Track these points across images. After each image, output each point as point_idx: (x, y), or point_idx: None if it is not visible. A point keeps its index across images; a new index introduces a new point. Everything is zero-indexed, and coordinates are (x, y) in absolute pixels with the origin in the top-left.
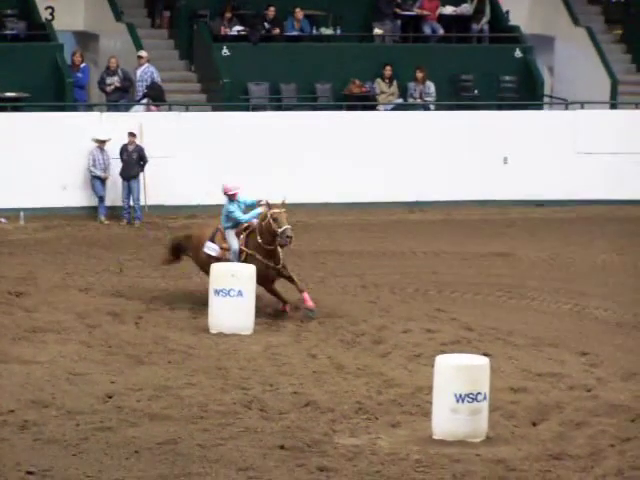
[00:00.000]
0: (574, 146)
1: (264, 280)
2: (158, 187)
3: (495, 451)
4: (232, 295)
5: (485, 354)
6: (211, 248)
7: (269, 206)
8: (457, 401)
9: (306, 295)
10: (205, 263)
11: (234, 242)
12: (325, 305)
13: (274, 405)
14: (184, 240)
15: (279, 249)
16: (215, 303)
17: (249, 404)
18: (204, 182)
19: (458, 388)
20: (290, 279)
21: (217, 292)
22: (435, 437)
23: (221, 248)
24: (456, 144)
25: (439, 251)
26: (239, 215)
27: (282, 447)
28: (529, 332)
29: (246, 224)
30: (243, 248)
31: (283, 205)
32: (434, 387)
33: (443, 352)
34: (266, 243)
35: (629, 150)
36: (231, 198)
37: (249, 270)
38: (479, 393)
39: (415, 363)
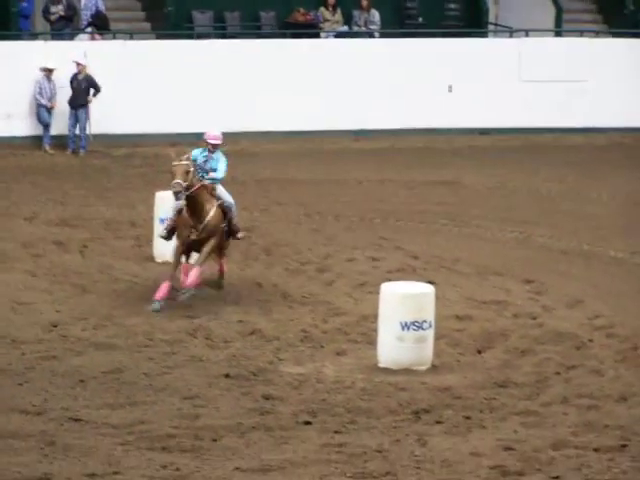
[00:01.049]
0: (519, 74)
1: (181, 240)
2: (102, 116)
3: (440, 379)
4: None
5: (430, 282)
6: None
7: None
8: (402, 329)
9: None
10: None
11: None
12: (270, 234)
13: (219, 334)
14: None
15: (216, 211)
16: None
17: (194, 332)
18: (148, 110)
19: (403, 316)
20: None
21: (162, 221)
22: (380, 365)
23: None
24: (401, 72)
25: (384, 179)
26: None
27: (227, 375)
28: (474, 260)
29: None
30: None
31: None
32: (379, 315)
33: (388, 280)
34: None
35: (573, 78)
36: (210, 148)
37: None
38: (424, 321)
39: (360, 291)
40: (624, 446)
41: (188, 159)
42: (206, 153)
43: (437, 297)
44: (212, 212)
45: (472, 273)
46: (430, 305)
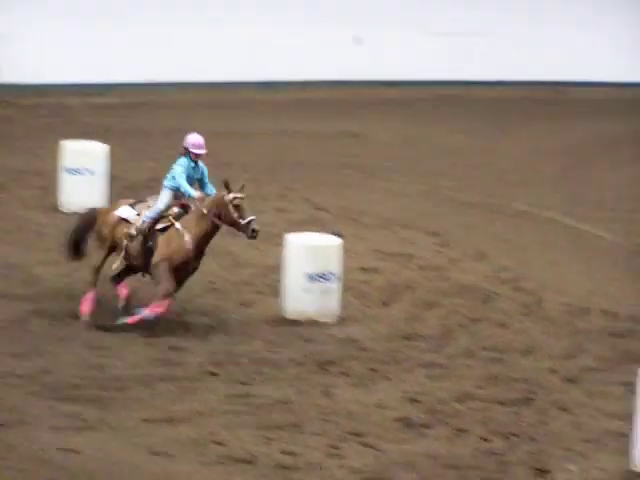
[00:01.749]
0: (426, 25)
1: (177, 267)
2: (8, 65)
3: (346, 331)
4: (83, 174)
5: (337, 234)
6: (125, 211)
7: (228, 189)
8: (308, 281)
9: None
10: (110, 227)
11: (163, 201)
12: None
13: None
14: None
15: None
16: (66, 182)
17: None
18: (55, 60)
19: (310, 268)
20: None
21: (69, 171)
22: (287, 317)
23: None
24: (308, 22)
25: (291, 131)
26: (184, 183)
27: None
28: (381, 212)
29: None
30: (172, 220)
31: (242, 190)
32: (285, 267)
33: (294, 232)
34: (205, 234)
35: (481, 30)
36: (194, 158)
37: (102, 149)
38: (330, 273)
39: (266, 243)
40: (529, 399)
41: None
42: (192, 163)
43: (343, 249)
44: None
45: (379, 225)
46: (336, 257)
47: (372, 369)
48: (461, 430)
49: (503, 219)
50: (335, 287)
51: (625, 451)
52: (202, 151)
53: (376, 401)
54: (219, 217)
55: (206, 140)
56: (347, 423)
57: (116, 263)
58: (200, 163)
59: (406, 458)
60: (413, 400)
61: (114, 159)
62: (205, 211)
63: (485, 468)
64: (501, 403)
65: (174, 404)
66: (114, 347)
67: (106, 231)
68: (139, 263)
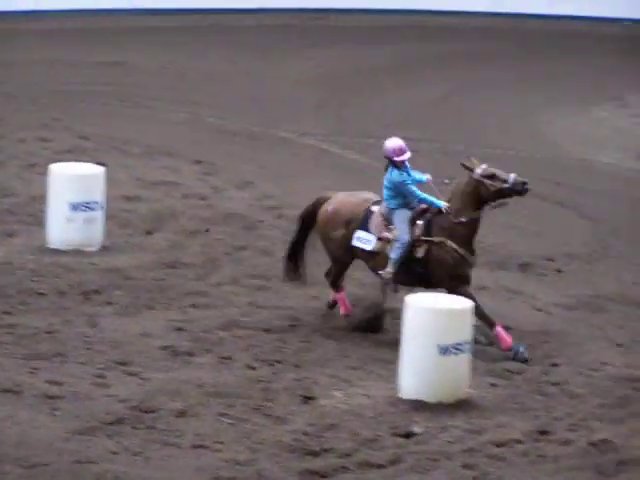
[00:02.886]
0: None
1: (458, 279)
2: None
3: (110, 260)
4: None
5: (100, 163)
6: (363, 239)
7: (467, 166)
8: (71, 210)
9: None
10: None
11: (405, 230)
12: None
13: None
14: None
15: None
16: None
17: None
18: None
19: (72, 197)
20: None
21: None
22: (50, 246)
23: (379, 239)
24: None
25: (53, 60)
26: (415, 190)
27: None
28: (144, 141)
29: (421, 207)
30: (423, 238)
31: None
32: (48, 196)
33: (58, 161)
34: (464, 222)
35: None
36: (397, 165)
37: None
38: (94, 202)
39: (30, 172)
40: (293, 326)
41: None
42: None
43: (107, 178)
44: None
45: (142, 154)
46: (100, 186)
47: (136, 298)
48: (226, 358)
49: (266, 147)
50: (99, 216)
51: (391, 378)
52: (407, 155)
53: (141, 330)
54: (484, 200)
55: None
56: (112, 352)
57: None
58: (405, 167)
59: (172, 386)
60: (178, 329)
61: None
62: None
63: (251, 395)
64: (266, 330)
65: None
66: None
67: (335, 250)
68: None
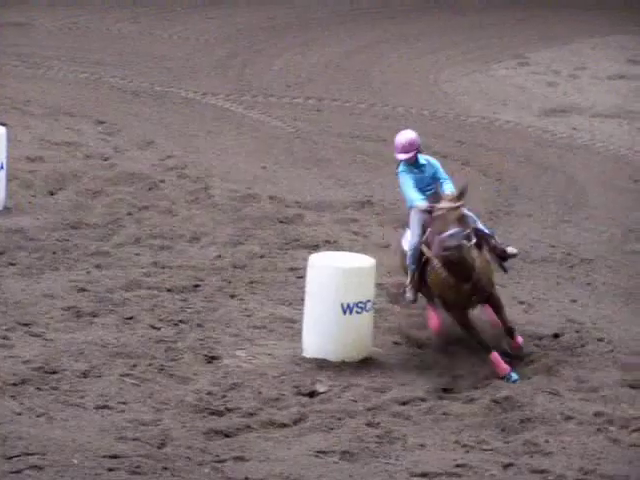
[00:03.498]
0: None
1: (451, 305)
2: None
3: (13, 221)
4: None
5: (1, 123)
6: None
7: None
8: None
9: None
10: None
11: (415, 232)
12: None
13: None
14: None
15: (482, 257)
16: None
17: None
18: None
19: None
20: (495, 307)
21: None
22: None
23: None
24: None
25: None
26: (408, 190)
27: None
28: (46, 101)
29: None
30: (424, 249)
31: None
32: None
33: None
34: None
35: None
36: (408, 161)
37: None
38: None
39: None
40: (197, 286)
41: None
42: (412, 168)
43: (9, 139)
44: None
45: (43, 114)
46: (1, 146)
47: (39, 258)
48: (130, 318)
49: (169, 107)
50: (1, 177)
51: (294, 337)
52: (408, 155)
53: (44, 291)
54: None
55: None
56: (15, 313)
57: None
58: (424, 159)
59: (75, 347)
60: (81, 289)
61: None
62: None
63: (154, 356)
64: (169, 290)
65: None
66: None
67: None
68: None
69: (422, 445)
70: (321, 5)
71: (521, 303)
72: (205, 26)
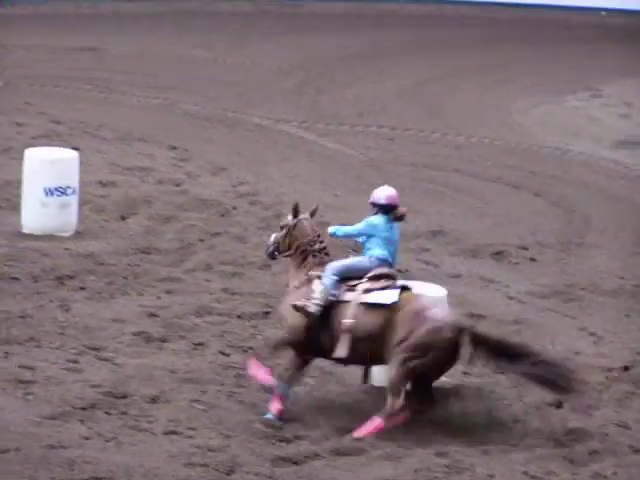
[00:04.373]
0: None
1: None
2: None
3: (84, 245)
4: None
5: (75, 148)
6: None
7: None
8: (46, 195)
9: None
10: None
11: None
12: None
13: None
14: None
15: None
16: None
17: None
18: None
19: (47, 181)
20: None
21: None
22: (24, 231)
23: None
24: None
25: (29, 45)
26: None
27: None
28: (118, 126)
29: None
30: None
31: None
32: (23, 181)
33: (32, 146)
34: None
35: None
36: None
37: None
38: (68, 187)
39: (5, 157)
40: (267, 313)
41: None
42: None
43: (81, 163)
44: None
45: (116, 139)
46: (74, 171)
47: (110, 283)
48: (199, 344)
49: (241, 133)
50: (73, 201)
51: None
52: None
53: (114, 315)
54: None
55: None
56: (85, 337)
57: None
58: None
59: (144, 372)
60: (151, 315)
61: None
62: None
63: (223, 382)
64: (239, 317)
65: None
66: None
67: None
68: None
69: (490, 475)
70: (394, 34)
71: (591, 335)
72: (279, 53)
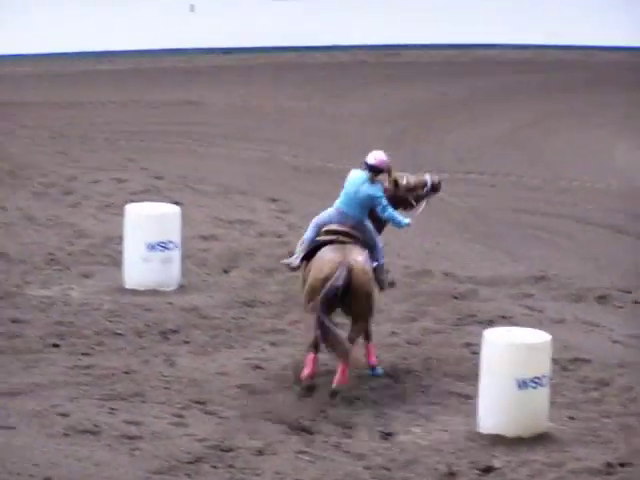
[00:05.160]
0: None
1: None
2: None
3: (187, 299)
4: None
5: (176, 202)
6: None
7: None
8: (148, 250)
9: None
10: None
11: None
12: (14, 157)
13: None
14: None
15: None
16: None
17: None
18: None
19: (149, 237)
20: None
21: None
22: (127, 286)
23: None
24: None
25: (127, 100)
26: (393, 213)
27: None
28: (219, 180)
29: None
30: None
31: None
32: (125, 236)
33: (133, 201)
34: None
35: None
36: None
37: None
38: (170, 241)
39: (105, 213)
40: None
41: None
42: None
43: (183, 217)
44: None
45: (217, 192)
46: (175, 225)
47: (214, 337)
48: (305, 396)
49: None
50: (175, 255)
51: (469, 413)
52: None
53: (219, 368)
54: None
55: (44, 111)
56: (190, 391)
57: None
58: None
59: (250, 424)
60: (256, 367)
61: None
62: None
63: (330, 432)
64: None
65: (16, 377)
66: None
67: None
68: None
69: None
70: (492, 80)
71: None
72: (376, 102)
